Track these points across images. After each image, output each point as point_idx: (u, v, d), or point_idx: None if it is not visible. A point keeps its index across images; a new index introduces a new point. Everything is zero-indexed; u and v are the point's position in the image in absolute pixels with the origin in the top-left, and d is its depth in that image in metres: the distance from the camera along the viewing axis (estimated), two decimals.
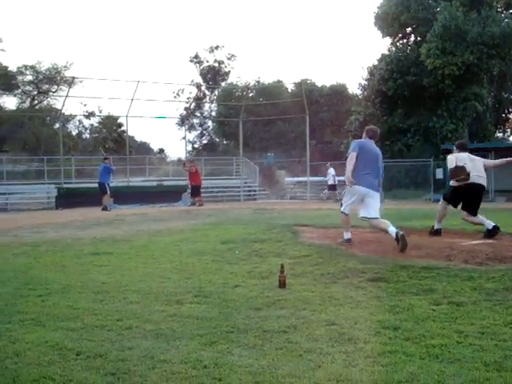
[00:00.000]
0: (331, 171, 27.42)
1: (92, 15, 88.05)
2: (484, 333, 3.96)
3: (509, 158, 9.07)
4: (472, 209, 8.45)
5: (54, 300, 5.32)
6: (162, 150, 60.00)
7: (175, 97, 51.40)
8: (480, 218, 8.43)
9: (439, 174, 26.43)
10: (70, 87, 32.32)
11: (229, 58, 54.30)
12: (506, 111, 39.97)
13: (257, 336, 4.02)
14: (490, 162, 10.41)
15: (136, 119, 49.06)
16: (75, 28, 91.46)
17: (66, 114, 43.26)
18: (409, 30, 37.14)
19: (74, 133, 51.31)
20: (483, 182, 8.47)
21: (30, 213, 21.74)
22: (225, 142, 53.85)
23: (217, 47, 53.95)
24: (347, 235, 8.01)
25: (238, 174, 32.68)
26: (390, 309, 4.65)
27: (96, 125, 51.63)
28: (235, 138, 41.08)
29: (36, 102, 46.99)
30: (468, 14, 30.85)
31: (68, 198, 24.20)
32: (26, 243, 9.68)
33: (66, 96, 29.43)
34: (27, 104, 46.18)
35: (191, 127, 54.31)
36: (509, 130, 42.07)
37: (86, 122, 51.85)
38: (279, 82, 49.17)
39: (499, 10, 34.84)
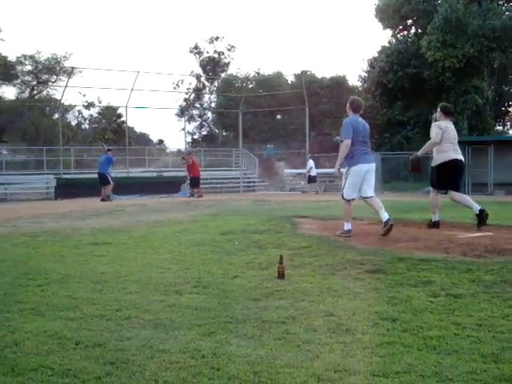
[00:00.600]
0: (310, 163, 27.49)
1: (91, 5, 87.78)
2: (481, 325, 3.97)
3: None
4: (456, 185, 8.40)
5: (53, 290, 5.33)
6: (161, 141, 59.94)
7: (175, 88, 51.32)
8: (468, 199, 8.40)
9: None
10: (69, 77, 32.26)
11: (229, 49, 54.17)
12: (506, 104, 39.96)
13: (255, 326, 4.03)
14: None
15: (136, 110, 48.97)
16: (75, 18, 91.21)
17: (66, 104, 43.14)
18: (409, 22, 37.08)
19: (73, 123, 51.27)
20: (462, 157, 8.44)
21: (29, 203, 21.76)
22: (224, 134, 53.77)
23: (217, 38, 53.81)
24: (347, 225, 7.83)
25: (237, 165, 32.68)
26: (388, 300, 4.67)
27: (95, 115, 51.61)
28: (235, 130, 41.07)
29: (35, 92, 46.88)
30: (469, 6, 30.78)
31: (67, 189, 24.24)
32: (26, 233, 9.69)
33: (66, 86, 29.40)
34: (26, 94, 46.07)
35: (191, 118, 54.23)
36: (509, 123, 42.12)
37: (86, 113, 51.82)
38: (279, 73, 49.03)
39: (500, 2, 34.73)
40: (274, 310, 4.47)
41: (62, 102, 33.35)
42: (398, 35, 37.35)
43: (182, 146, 41.08)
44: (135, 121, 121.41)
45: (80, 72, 40.42)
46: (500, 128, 40.37)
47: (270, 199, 19.91)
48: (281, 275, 5.64)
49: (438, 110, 8.63)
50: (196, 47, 53.95)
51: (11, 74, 43.11)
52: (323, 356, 3.41)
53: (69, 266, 6.61)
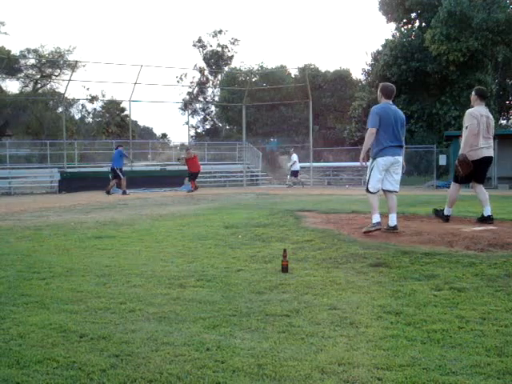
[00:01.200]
0: (294, 157, 27.94)
1: None
2: (485, 318, 3.97)
3: None
4: (482, 179, 8.06)
5: (57, 283, 5.35)
6: (164, 135, 60.02)
7: (178, 81, 51.31)
8: (487, 198, 8.01)
9: (442, 160, 26.44)
10: (72, 71, 32.22)
11: (232, 43, 54.08)
12: (511, 98, 39.85)
13: (259, 319, 4.04)
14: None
15: (139, 104, 49.00)
16: (78, 12, 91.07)
17: (69, 98, 43.30)
18: (413, 15, 36.99)
19: (76, 117, 51.39)
20: (492, 152, 7.92)
21: (33, 197, 21.81)
22: (228, 127, 53.78)
23: (220, 32, 53.72)
24: (376, 217, 7.28)
25: (240, 159, 32.69)
26: (392, 294, 4.67)
27: (99, 109, 51.66)
28: (238, 123, 41.06)
29: (39, 85, 46.97)
30: None
31: (71, 182, 24.37)
32: (30, 227, 9.72)
33: (69, 80, 29.42)
34: (30, 88, 46.17)
35: (194, 112, 54.23)
36: None
37: (89, 106, 51.98)
38: (282, 66, 49.00)
39: None
40: (277, 303, 4.48)
41: (66, 95, 33.48)
42: (402, 28, 37.25)
43: (186, 140, 41.07)
44: (139, 115, 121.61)
45: (83, 66, 40.60)
46: (504, 122, 40.31)
47: (274, 193, 19.91)
48: (284, 269, 5.65)
49: (473, 93, 8.09)
50: (199, 41, 53.88)
51: (15, 68, 43.16)
52: (327, 349, 3.42)
53: (73, 259, 6.63)
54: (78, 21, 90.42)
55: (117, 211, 12.72)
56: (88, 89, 57.95)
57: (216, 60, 53.75)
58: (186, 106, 50.38)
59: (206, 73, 54.11)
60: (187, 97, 52.70)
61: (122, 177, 21.20)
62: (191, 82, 53.46)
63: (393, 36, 36.90)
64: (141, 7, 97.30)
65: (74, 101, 48.56)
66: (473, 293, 4.65)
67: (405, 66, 32.66)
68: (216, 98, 53.99)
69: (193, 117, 54.19)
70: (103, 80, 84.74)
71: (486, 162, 8.01)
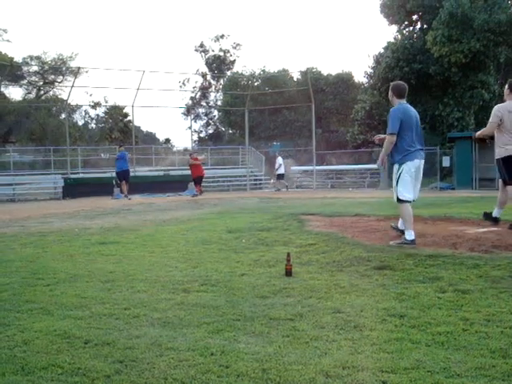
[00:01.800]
0: (279, 160, 28.24)
1: (97, 5, 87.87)
2: (490, 320, 3.96)
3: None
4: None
5: (61, 289, 5.35)
6: (167, 140, 60.13)
7: (181, 86, 51.46)
8: (505, 200, 7.86)
9: (446, 162, 26.38)
10: (75, 77, 32.37)
11: (234, 47, 54.29)
12: None
13: (263, 324, 4.04)
14: None
15: (142, 109, 49.07)
16: (80, 18, 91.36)
17: (72, 104, 43.34)
18: (415, 17, 36.97)
19: (80, 123, 51.52)
20: None
21: (36, 203, 21.85)
22: (230, 132, 53.89)
23: (222, 36, 53.97)
24: (410, 234, 6.61)
25: (243, 163, 32.70)
26: (396, 296, 4.66)
27: (102, 115, 51.80)
28: (241, 127, 41.15)
29: (42, 92, 47.10)
30: (474, 0, 30.63)
31: (75, 188, 24.44)
32: (34, 233, 9.73)
33: (72, 86, 29.48)
34: (33, 95, 46.30)
35: (197, 117, 54.40)
36: None
37: (92, 112, 52.07)
38: (285, 70, 49.06)
39: None
40: (281, 307, 4.47)
41: (69, 102, 33.47)
42: (404, 31, 37.27)
43: (189, 145, 41.10)
44: (142, 120, 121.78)
45: (86, 72, 40.69)
46: None
47: (277, 196, 19.90)
48: (288, 272, 5.65)
49: (506, 86, 7.82)
50: (201, 45, 54.12)
51: (18, 75, 43.29)
52: (331, 353, 3.42)
53: (77, 265, 6.64)
54: (80, 27, 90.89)
55: (120, 217, 12.74)
56: (91, 95, 58.25)
57: (218, 64, 53.93)
58: (189, 110, 50.52)
59: (209, 77, 54.27)
60: (190, 102, 52.86)
61: (127, 180, 21.24)
62: (194, 87, 53.64)
63: (394, 38, 36.91)
64: (142, 13, 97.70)
65: (77, 107, 48.76)
66: (477, 295, 4.64)
67: (407, 68, 32.64)
68: (218, 103, 54.15)
69: (196, 121, 54.38)
70: (106, 86, 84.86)
71: None
